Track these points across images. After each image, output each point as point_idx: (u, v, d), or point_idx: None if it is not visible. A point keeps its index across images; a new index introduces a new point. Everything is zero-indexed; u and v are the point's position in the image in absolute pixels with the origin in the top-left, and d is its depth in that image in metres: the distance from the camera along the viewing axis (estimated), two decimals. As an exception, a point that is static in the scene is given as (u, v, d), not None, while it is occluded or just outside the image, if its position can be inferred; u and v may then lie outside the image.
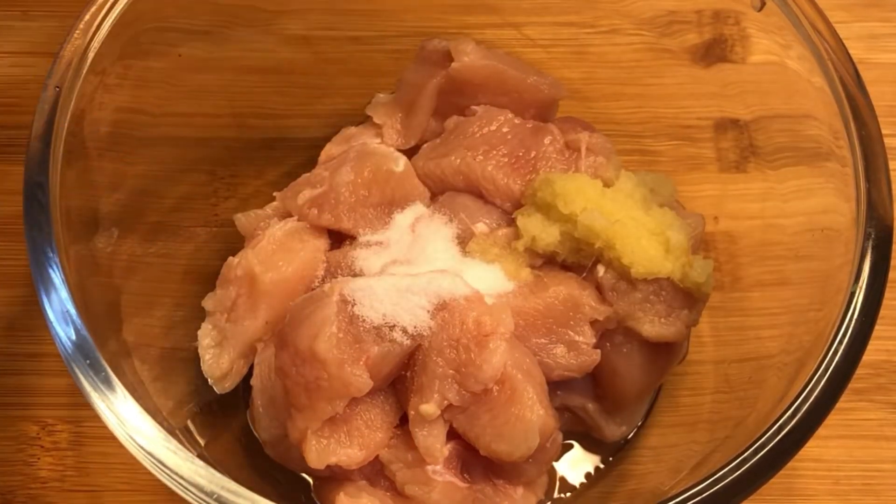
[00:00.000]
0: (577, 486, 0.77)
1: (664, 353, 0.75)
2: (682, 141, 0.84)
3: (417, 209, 0.77)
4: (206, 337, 0.77)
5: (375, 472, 0.71)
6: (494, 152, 0.78)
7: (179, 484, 0.57)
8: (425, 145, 0.81)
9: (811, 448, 0.60)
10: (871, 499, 0.78)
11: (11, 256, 0.84)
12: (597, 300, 0.73)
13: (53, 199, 0.62)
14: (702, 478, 0.57)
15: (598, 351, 0.72)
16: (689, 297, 0.73)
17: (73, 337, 0.59)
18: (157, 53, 0.75)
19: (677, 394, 0.80)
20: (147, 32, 0.72)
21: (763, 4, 0.72)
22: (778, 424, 0.58)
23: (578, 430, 0.78)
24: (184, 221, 0.81)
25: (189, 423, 0.73)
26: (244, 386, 0.75)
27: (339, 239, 0.77)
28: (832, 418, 0.59)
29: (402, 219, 0.77)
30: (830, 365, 0.59)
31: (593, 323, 0.72)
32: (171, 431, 0.59)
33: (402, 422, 0.71)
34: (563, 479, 0.77)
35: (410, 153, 0.81)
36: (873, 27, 0.95)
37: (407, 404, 0.69)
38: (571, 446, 0.78)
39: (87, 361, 0.59)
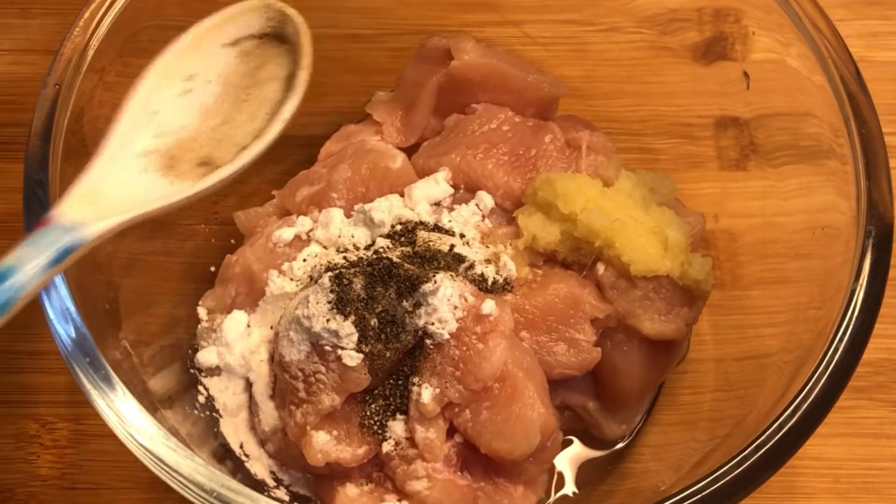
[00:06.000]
0: (578, 484, 0.77)
1: (664, 352, 0.75)
2: (683, 139, 0.84)
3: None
4: (205, 334, 0.77)
5: (375, 470, 0.71)
6: (495, 150, 0.78)
7: (179, 482, 0.57)
8: (425, 143, 0.81)
9: (811, 446, 0.60)
10: (872, 497, 0.78)
11: (11, 254, 0.84)
12: (597, 298, 0.73)
13: (53, 197, 0.62)
14: (702, 476, 0.57)
15: (599, 349, 0.72)
16: (688, 295, 0.73)
17: (73, 335, 0.59)
18: (157, 51, 0.75)
19: (677, 392, 0.80)
20: (146, 30, 0.72)
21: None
22: (778, 423, 0.58)
23: (579, 429, 0.78)
24: (183, 219, 0.81)
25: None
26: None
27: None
28: (832, 416, 0.59)
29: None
30: (831, 363, 0.59)
31: (594, 321, 0.72)
32: (170, 429, 0.59)
33: (403, 419, 0.71)
34: (563, 478, 0.77)
35: (410, 151, 0.81)
36: (874, 25, 0.95)
37: (407, 401, 0.69)
38: (571, 443, 0.78)
39: (87, 359, 0.59)
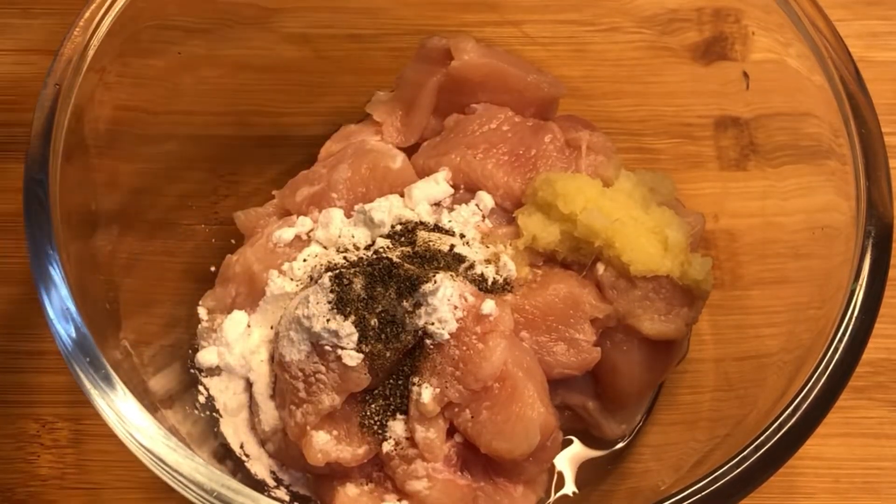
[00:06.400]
0: (578, 484, 0.77)
1: (664, 352, 0.75)
2: (683, 139, 0.84)
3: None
4: (205, 334, 0.77)
5: (375, 470, 0.71)
6: (494, 150, 0.78)
7: (180, 482, 0.57)
8: (425, 143, 0.81)
9: (811, 446, 0.60)
10: (872, 497, 0.78)
11: (12, 254, 0.84)
12: (597, 298, 0.73)
13: (53, 196, 0.62)
14: (702, 476, 0.57)
15: (599, 349, 0.72)
16: (688, 295, 0.73)
17: (73, 334, 0.59)
18: (157, 51, 0.75)
19: (677, 392, 0.80)
20: (147, 30, 0.72)
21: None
22: (778, 422, 0.58)
23: (578, 428, 0.78)
24: (184, 219, 0.81)
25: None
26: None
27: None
28: (832, 416, 0.59)
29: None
30: (830, 363, 0.59)
31: (593, 321, 0.72)
32: (170, 429, 0.59)
33: (403, 419, 0.71)
34: (563, 478, 0.77)
35: (410, 151, 0.81)
36: (873, 25, 0.95)
37: (407, 401, 0.69)
38: (571, 443, 0.78)
39: (87, 359, 0.59)
